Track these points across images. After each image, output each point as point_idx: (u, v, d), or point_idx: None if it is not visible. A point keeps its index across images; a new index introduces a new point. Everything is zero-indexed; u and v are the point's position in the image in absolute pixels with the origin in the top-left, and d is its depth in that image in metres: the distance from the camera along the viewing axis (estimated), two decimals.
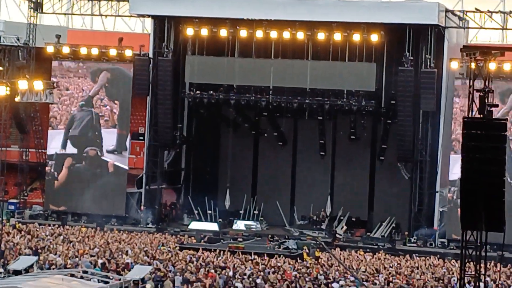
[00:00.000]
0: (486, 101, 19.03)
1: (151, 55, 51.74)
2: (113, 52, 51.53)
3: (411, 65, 48.46)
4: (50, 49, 51.83)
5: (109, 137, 52.03)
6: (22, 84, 31.18)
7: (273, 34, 49.82)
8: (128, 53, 51.43)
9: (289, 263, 38.49)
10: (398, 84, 49.02)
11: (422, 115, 49.36)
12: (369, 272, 37.07)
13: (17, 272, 32.62)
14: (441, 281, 35.87)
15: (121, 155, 51.99)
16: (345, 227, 50.84)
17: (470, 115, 19.08)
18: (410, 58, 48.42)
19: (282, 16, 49.46)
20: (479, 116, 18.89)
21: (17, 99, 44.17)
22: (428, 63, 48.38)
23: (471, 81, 19.51)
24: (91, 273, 32.81)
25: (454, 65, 46.55)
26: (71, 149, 52.28)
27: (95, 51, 51.55)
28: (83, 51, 51.62)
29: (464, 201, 18.52)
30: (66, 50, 51.86)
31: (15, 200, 53.22)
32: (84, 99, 52.29)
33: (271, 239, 44.36)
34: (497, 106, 19.32)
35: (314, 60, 50.69)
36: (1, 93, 27.85)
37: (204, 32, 50.59)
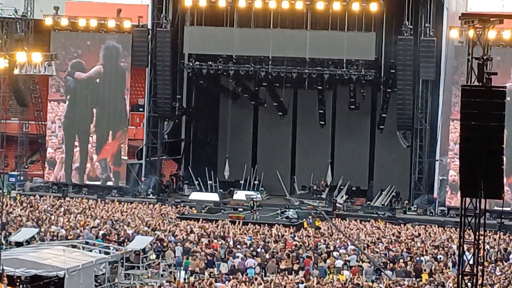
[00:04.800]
0: (485, 69, 18.98)
1: (149, 26, 51.62)
2: (111, 23, 51.36)
3: (411, 34, 48.33)
4: (48, 21, 51.58)
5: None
6: (21, 57, 31.07)
7: (272, 4, 49.58)
8: (127, 24, 51.27)
9: (290, 232, 38.65)
10: (398, 53, 48.93)
11: (421, 84, 49.32)
12: (369, 241, 37.24)
13: (18, 244, 32.81)
14: (440, 249, 36.03)
15: None
16: (345, 196, 50.97)
17: (469, 83, 19.05)
18: (409, 27, 48.30)
19: None
20: (478, 83, 18.87)
21: (16, 71, 44.10)
22: (428, 32, 48.24)
23: (470, 49, 19.46)
24: (92, 244, 32.99)
25: (454, 33, 46.34)
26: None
27: (93, 23, 51.37)
28: (82, 23, 51.43)
29: (463, 168, 18.56)
30: (64, 22, 51.60)
31: (15, 173, 53.31)
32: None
33: (252, 210, 44.66)
34: (495, 74, 19.25)
35: (313, 29, 50.50)
36: (0, 66, 27.77)
37: (203, 2, 50.32)
